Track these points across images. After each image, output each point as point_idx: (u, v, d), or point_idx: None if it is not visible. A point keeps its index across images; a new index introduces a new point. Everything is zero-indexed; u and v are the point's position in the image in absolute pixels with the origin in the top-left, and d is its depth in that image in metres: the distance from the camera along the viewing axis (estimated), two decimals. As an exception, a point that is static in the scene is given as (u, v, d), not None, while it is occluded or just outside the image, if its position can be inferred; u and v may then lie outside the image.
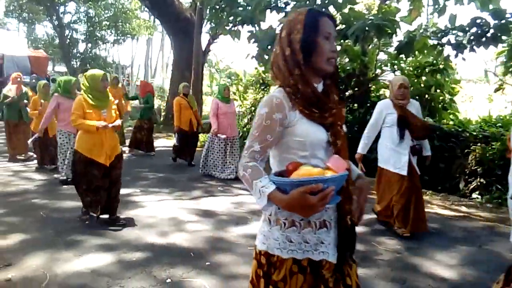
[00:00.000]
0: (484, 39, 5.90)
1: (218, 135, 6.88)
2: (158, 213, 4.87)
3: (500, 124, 6.94)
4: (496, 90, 7.92)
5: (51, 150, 6.95)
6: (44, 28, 28.64)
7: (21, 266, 3.34)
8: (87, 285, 3.05)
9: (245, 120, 11.05)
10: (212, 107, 6.99)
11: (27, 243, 3.85)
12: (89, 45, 25.45)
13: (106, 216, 4.49)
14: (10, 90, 7.90)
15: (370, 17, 6.80)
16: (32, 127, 7.11)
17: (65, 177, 6.11)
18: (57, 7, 23.70)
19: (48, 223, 4.43)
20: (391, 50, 8.10)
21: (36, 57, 17.92)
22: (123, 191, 5.71)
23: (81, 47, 25.77)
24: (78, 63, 24.89)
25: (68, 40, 24.46)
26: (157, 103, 17.16)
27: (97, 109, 4.23)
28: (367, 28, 6.41)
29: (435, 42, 6.42)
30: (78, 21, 25.49)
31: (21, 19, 26.84)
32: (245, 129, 10.85)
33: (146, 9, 21.01)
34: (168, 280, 3.15)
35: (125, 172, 6.45)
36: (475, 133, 6.74)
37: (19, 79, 8.06)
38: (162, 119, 14.88)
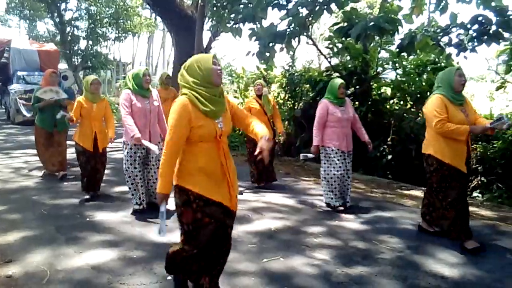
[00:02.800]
0: (486, 36, 5.89)
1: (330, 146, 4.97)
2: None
3: (501, 123, 6.92)
4: (498, 88, 7.90)
5: (99, 169, 5.43)
6: (45, 25, 28.56)
7: (22, 262, 3.35)
8: (88, 282, 3.06)
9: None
10: (320, 113, 4.99)
11: (28, 239, 3.86)
12: (90, 42, 25.45)
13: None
14: (46, 91, 6.18)
15: (372, 18, 6.79)
16: (77, 139, 5.34)
17: (140, 206, 4.74)
18: (58, 4, 23.72)
19: (49, 220, 4.43)
20: (393, 48, 8.09)
21: (45, 51, 16.16)
22: (125, 188, 5.73)
23: (82, 44, 25.82)
24: (79, 60, 24.91)
25: (69, 37, 24.50)
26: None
27: (211, 119, 2.53)
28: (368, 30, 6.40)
29: (436, 43, 6.40)
30: (79, 18, 25.54)
31: (22, 16, 26.90)
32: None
33: (147, 6, 20.99)
34: (169, 277, 3.15)
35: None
36: (476, 132, 6.73)
37: (51, 75, 6.38)
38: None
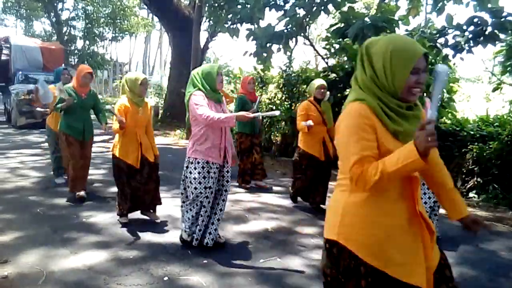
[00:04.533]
0: (481, 38, 5.92)
1: None
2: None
3: (497, 124, 6.96)
4: (494, 89, 7.94)
5: (149, 189, 4.39)
6: (42, 24, 28.51)
7: (18, 263, 3.33)
8: (84, 283, 3.05)
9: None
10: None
11: (24, 240, 3.84)
12: (87, 42, 25.41)
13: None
14: (62, 90, 5.10)
15: (369, 17, 6.81)
16: (118, 152, 4.24)
17: (189, 238, 3.70)
18: (55, 4, 23.70)
19: (44, 220, 4.42)
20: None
21: (49, 49, 14.87)
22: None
23: (79, 44, 25.76)
24: (76, 60, 24.86)
25: (66, 37, 24.44)
26: (155, 100, 17.13)
27: (401, 142, 1.56)
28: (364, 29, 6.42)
29: (433, 44, 6.43)
30: (76, 18, 25.50)
31: (18, 16, 26.82)
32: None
33: (145, 6, 20.97)
34: (165, 278, 3.15)
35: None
36: (472, 133, 6.75)
37: (86, 76, 5.16)
38: (159, 117, 14.86)
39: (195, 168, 3.53)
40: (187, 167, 3.61)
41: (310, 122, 4.78)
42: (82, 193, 5.20)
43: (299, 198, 5.36)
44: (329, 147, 4.99)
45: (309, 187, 5.11)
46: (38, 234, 3.99)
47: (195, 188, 3.52)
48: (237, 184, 6.21)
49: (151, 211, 4.55)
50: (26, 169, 7.02)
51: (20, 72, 13.72)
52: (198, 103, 3.42)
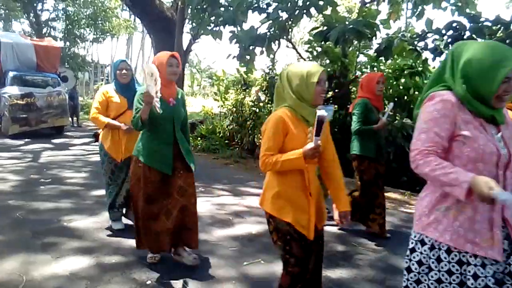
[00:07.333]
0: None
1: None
2: (138, 214, 4.81)
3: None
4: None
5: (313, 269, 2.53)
6: (21, 25, 28.01)
7: (-4, 269, 3.26)
8: (65, 288, 3.00)
9: (227, 121, 11.03)
10: None
11: (3, 245, 3.76)
12: (68, 43, 25.06)
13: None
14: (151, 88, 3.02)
15: (351, 21, 6.90)
16: (276, 209, 2.29)
17: None
18: (34, 4, 23.30)
19: (24, 225, 4.33)
20: (371, 52, 8.22)
21: (44, 47, 13.39)
22: (102, 192, 5.65)
23: (59, 45, 25.40)
24: (56, 61, 24.51)
25: (45, 38, 24.07)
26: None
27: None
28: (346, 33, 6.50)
29: (413, 47, 6.55)
30: (56, 18, 25.11)
31: (-4, 16, 26.27)
32: (226, 129, 10.83)
33: (126, 8, 20.81)
34: (148, 282, 3.12)
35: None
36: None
37: (171, 62, 3.22)
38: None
39: (438, 261, 1.73)
40: (413, 249, 1.87)
41: None
42: (157, 256, 3.48)
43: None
44: None
45: None
46: (18, 239, 3.91)
47: None
48: (220, 187, 6.20)
49: None
50: (5, 172, 6.87)
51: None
52: (432, 117, 1.68)
